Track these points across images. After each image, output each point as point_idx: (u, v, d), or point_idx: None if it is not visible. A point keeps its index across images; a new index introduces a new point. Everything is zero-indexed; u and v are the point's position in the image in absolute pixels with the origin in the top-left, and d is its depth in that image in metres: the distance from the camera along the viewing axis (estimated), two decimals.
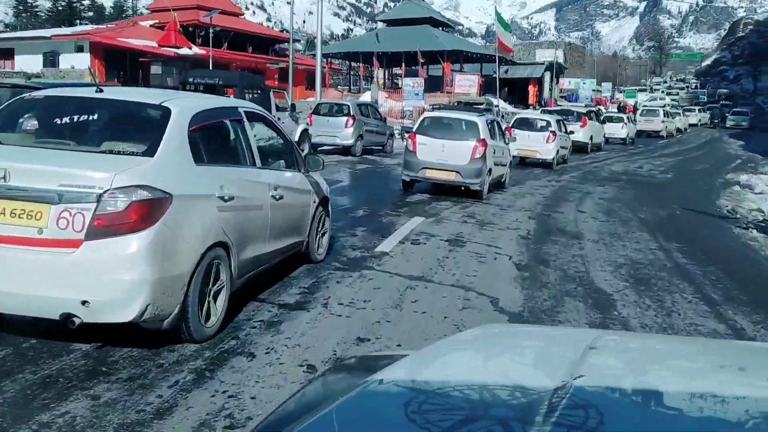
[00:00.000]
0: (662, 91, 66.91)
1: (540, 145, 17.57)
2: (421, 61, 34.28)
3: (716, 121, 48.52)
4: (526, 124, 18.25)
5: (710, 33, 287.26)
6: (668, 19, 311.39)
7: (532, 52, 53.60)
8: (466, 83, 32.79)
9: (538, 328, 3.50)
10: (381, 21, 48.19)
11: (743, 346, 2.44)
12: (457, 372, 1.41)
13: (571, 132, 20.87)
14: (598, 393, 1.18)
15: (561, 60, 48.43)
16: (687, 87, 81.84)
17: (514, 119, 19.30)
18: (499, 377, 1.34)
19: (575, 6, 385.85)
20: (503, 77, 43.83)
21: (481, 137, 11.21)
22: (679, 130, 39.99)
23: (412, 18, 39.04)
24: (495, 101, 29.55)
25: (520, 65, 48.35)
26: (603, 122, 27.21)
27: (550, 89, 47.65)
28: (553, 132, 17.70)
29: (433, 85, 39.20)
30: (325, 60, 45.18)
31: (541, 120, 18.65)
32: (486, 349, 1.61)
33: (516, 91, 44.84)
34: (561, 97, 46.72)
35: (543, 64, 48.11)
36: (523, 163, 18.34)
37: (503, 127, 14.70)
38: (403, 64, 37.37)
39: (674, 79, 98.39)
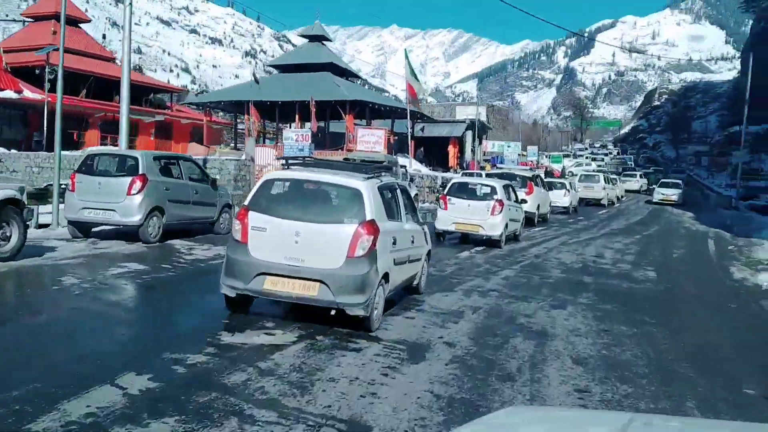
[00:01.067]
0: (586, 157, 63.75)
1: (483, 218, 14.21)
2: (313, 110, 27.83)
3: (653, 187, 44.84)
4: (465, 191, 14.85)
5: (622, 104, 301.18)
6: (583, 90, 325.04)
7: (453, 111, 48.44)
8: (370, 139, 26.65)
9: (567, 410, 3.64)
10: (270, 66, 41.41)
11: None
12: None
13: (523, 201, 17.74)
14: None
15: (484, 118, 43.46)
16: (609, 153, 79.87)
17: (450, 185, 15.75)
18: None
19: (496, 77, 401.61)
20: (420, 136, 38.15)
21: None
22: (618, 198, 35.30)
23: (309, 64, 32.72)
24: (405, 160, 23.92)
25: (440, 123, 42.94)
26: (549, 189, 24.03)
27: (473, 150, 42.48)
28: (500, 201, 14.29)
29: (336, 140, 32.91)
30: (203, 110, 38.31)
31: (484, 186, 15.14)
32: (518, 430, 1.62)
33: (434, 151, 39.16)
34: (485, 160, 41.55)
35: (464, 122, 42.91)
36: (465, 240, 15.06)
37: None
38: (297, 117, 30.83)
39: (596, 145, 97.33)
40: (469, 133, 42.24)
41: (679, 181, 40.17)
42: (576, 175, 37.00)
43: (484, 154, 44.46)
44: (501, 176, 19.91)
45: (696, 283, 11.81)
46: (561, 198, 25.85)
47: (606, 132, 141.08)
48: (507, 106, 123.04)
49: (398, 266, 7.45)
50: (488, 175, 21.87)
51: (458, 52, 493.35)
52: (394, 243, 7.28)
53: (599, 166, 51.78)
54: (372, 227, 6.63)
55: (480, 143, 43.97)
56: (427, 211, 18.47)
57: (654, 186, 39.59)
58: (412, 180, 20.06)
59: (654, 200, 35.26)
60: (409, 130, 28.98)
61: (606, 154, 74.89)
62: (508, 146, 42.20)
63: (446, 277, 10.20)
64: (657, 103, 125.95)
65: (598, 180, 32.35)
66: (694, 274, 12.95)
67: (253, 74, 33.85)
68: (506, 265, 12.01)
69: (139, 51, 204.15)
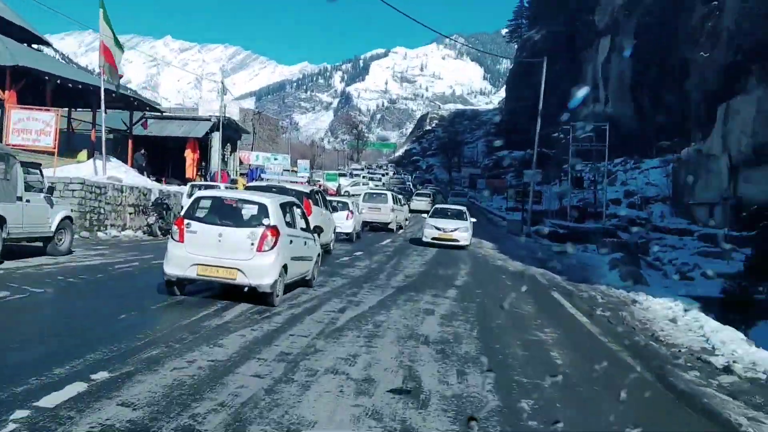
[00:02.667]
0: (363, 177, 58.95)
1: (244, 256, 9.10)
2: None
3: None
4: (218, 212, 9.65)
5: (395, 130, 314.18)
6: (359, 115, 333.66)
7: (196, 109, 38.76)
8: (33, 126, 17.46)
9: None
10: None
11: None
12: None
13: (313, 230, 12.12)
14: None
15: (238, 119, 34.88)
16: (387, 173, 76.69)
17: (192, 201, 9.97)
18: None
19: (274, 96, 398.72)
20: (142, 134, 28.66)
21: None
22: (406, 221, 29.57)
23: None
24: (113, 166, 15.64)
25: (174, 119, 33.28)
26: (340, 209, 19.56)
27: (224, 159, 34.27)
28: (273, 228, 9.21)
29: None
30: None
31: (249, 203, 9.72)
32: None
33: (165, 156, 29.83)
34: (242, 174, 33.47)
35: (209, 119, 33.07)
36: (225, 293, 9.59)
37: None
38: None
39: (372, 166, 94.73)
40: (217, 136, 32.95)
41: (463, 208, 31.96)
42: (357, 195, 30.88)
43: (241, 165, 36.12)
44: (267, 190, 13.79)
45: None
46: (343, 221, 19.95)
47: (380, 155, 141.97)
48: (285, 127, 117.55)
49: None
50: (248, 189, 16.47)
51: (236, 69, 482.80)
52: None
53: (376, 185, 46.84)
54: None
55: (234, 150, 35.57)
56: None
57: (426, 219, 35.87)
58: (51, 191, 11.89)
59: (424, 238, 22.94)
60: (101, 112, 19.98)
61: (384, 174, 71.18)
62: (275, 158, 34.71)
63: None
64: (429, 127, 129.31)
65: (385, 200, 26.60)
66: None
67: None
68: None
69: None
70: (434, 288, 12.69)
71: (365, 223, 24.54)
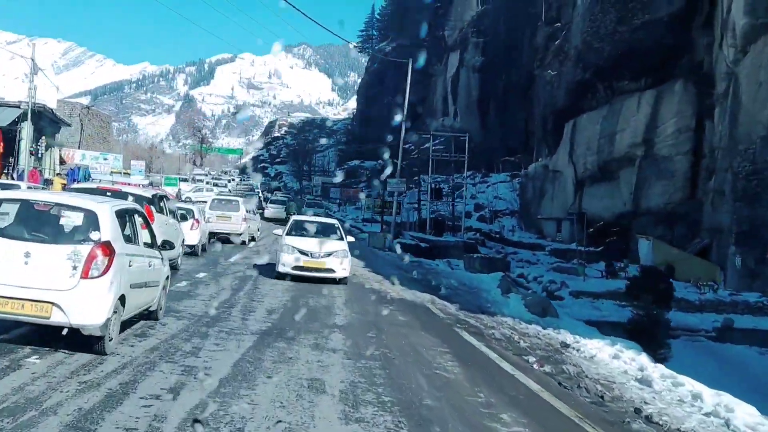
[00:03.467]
0: (207, 182, 54.67)
1: (60, 285, 6.52)
2: None
3: (290, 215, 38.02)
4: (25, 222, 7.02)
5: (241, 137, 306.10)
6: (204, 120, 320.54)
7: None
8: None
9: None
10: None
11: None
12: None
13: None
14: None
15: (55, 108, 29.41)
16: (233, 179, 72.33)
17: None
18: None
19: (111, 96, 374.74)
20: None
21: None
22: (258, 232, 26.45)
23: None
24: None
25: None
26: (181, 218, 16.01)
27: (37, 155, 28.36)
28: (104, 245, 6.71)
29: None
30: None
31: (69, 209, 7.06)
32: None
33: None
34: (60, 174, 28.39)
35: (18, 107, 27.44)
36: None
37: None
38: None
39: (217, 171, 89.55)
40: (28, 127, 27.49)
41: (335, 222, 30.01)
42: (201, 201, 27.33)
43: (63, 163, 30.65)
44: (97, 193, 11.04)
45: None
46: (188, 232, 16.50)
47: (225, 161, 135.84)
48: (122, 129, 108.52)
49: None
50: (78, 192, 12.26)
51: (69, 66, 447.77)
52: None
53: (221, 192, 43.16)
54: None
55: (51, 146, 29.96)
56: None
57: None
58: None
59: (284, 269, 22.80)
60: None
61: (230, 180, 66.83)
62: (105, 158, 30.04)
63: None
64: (277, 134, 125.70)
65: (237, 208, 23.03)
66: None
67: None
68: None
69: None
70: (311, 332, 9.14)
71: (212, 234, 21.38)
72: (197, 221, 17.11)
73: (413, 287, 15.94)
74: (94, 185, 13.68)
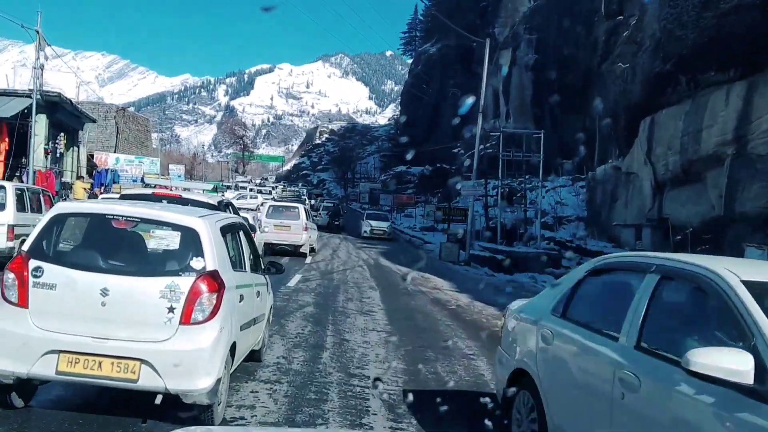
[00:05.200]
0: (251, 189, 52.66)
1: (158, 339, 4.68)
2: None
3: (337, 222, 35.34)
4: (102, 245, 5.16)
5: (280, 146, 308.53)
6: (244, 130, 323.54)
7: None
8: None
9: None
10: None
11: None
12: None
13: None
14: None
15: (77, 100, 25.57)
16: (276, 186, 70.34)
17: (42, 224, 5.06)
18: None
19: (154, 108, 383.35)
20: None
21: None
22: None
23: None
24: None
25: None
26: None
27: (55, 153, 23.84)
28: (213, 278, 4.92)
29: None
30: None
31: (163, 227, 5.23)
32: None
33: None
34: (83, 177, 25.37)
35: (28, 95, 22.60)
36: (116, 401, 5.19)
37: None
38: None
39: (260, 179, 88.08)
40: (43, 120, 23.17)
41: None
42: (248, 209, 25.01)
43: (94, 167, 27.77)
44: (146, 199, 8.65)
45: None
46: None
47: (266, 170, 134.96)
48: (166, 139, 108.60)
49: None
50: (125, 197, 11.13)
51: (113, 78, 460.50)
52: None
53: (266, 199, 40.95)
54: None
55: (75, 145, 26.82)
56: None
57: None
58: None
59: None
60: None
61: (274, 187, 64.70)
62: (140, 161, 27.88)
63: None
64: (318, 141, 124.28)
65: (297, 215, 20.38)
66: None
67: None
68: None
69: None
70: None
71: (268, 246, 18.92)
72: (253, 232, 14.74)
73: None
74: (148, 191, 11.18)
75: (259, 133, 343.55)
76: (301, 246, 20.01)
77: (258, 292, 6.42)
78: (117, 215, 5.08)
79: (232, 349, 5.15)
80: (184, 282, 4.70)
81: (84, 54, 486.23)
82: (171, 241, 5.04)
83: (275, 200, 28.74)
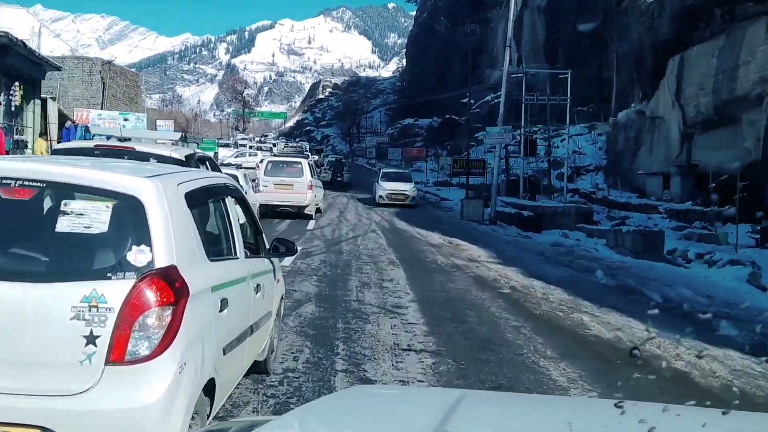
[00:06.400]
0: (250, 146, 50.28)
1: (69, 392, 2.70)
2: None
3: (339, 178, 32.85)
4: None
5: (283, 104, 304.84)
6: (246, 88, 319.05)
7: None
8: None
9: (408, 389, 3.62)
10: None
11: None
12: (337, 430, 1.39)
13: None
14: None
15: (32, 46, 21.27)
16: (276, 144, 67.80)
17: None
18: None
19: (155, 69, 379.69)
20: None
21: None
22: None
23: None
24: None
25: None
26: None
27: (10, 105, 19.83)
28: (166, 282, 2.86)
29: None
30: None
31: (87, 193, 2.90)
32: (356, 411, 1.58)
33: None
34: (45, 133, 22.17)
35: None
36: None
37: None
38: None
39: (261, 137, 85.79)
40: None
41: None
42: (248, 167, 22.87)
43: (62, 118, 24.06)
44: (86, 154, 6.64)
45: None
46: None
47: (269, 128, 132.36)
48: (167, 100, 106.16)
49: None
50: (57, 153, 9.07)
51: (114, 40, 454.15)
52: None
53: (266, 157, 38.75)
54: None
55: (37, 97, 22.81)
56: None
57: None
58: None
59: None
60: None
61: (274, 144, 62.12)
62: (125, 118, 25.51)
63: None
64: (321, 96, 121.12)
65: (300, 172, 17.73)
66: None
67: None
68: None
69: None
70: None
71: (268, 207, 16.79)
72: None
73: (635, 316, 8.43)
74: (90, 144, 8.59)
75: (261, 90, 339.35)
76: (305, 207, 17.56)
77: (258, 285, 4.43)
78: (7, 177, 3.07)
79: (209, 387, 3.28)
80: (114, 290, 2.84)
81: (83, 17, 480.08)
82: (96, 218, 2.99)
83: (275, 156, 26.32)
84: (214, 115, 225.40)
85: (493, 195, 21.55)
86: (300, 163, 18.50)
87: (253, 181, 17.45)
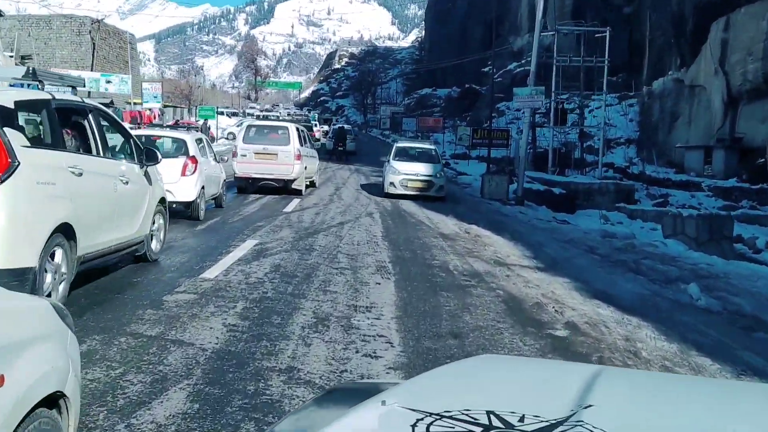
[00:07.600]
0: (256, 116, 47.61)
1: None
2: None
3: (341, 148, 30.18)
4: None
5: (302, 75, 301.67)
6: (264, 59, 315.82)
7: None
8: None
9: (537, 360, 3.55)
10: None
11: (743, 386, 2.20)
12: (462, 398, 1.33)
13: None
14: (607, 422, 1.15)
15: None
16: (280, 114, 64.90)
17: None
18: (505, 404, 1.25)
19: (174, 39, 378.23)
20: None
21: None
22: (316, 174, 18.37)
23: None
24: None
25: None
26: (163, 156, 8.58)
27: None
28: None
29: None
30: None
31: None
32: (487, 377, 1.57)
33: None
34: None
35: None
36: None
37: None
38: None
39: (272, 106, 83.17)
40: None
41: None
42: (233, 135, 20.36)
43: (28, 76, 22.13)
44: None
45: None
46: (176, 179, 9.88)
47: (286, 99, 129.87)
48: (186, 71, 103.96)
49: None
50: None
51: (134, 11, 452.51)
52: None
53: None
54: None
55: None
56: None
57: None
58: None
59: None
60: None
61: (279, 113, 59.15)
62: (108, 80, 23.11)
63: None
64: (337, 66, 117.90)
65: (286, 139, 15.01)
66: None
67: None
68: None
69: None
70: None
71: (250, 180, 14.39)
72: (193, 160, 10.05)
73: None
74: None
75: (280, 62, 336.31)
76: (293, 180, 14.98)
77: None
78: None
79: None
80: None
81: None
82: None
83: (258, 120, 23.61)
84: (233, 86, 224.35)
85: (520, 169, 17.54)
86: (286, 128, 15.57)
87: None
